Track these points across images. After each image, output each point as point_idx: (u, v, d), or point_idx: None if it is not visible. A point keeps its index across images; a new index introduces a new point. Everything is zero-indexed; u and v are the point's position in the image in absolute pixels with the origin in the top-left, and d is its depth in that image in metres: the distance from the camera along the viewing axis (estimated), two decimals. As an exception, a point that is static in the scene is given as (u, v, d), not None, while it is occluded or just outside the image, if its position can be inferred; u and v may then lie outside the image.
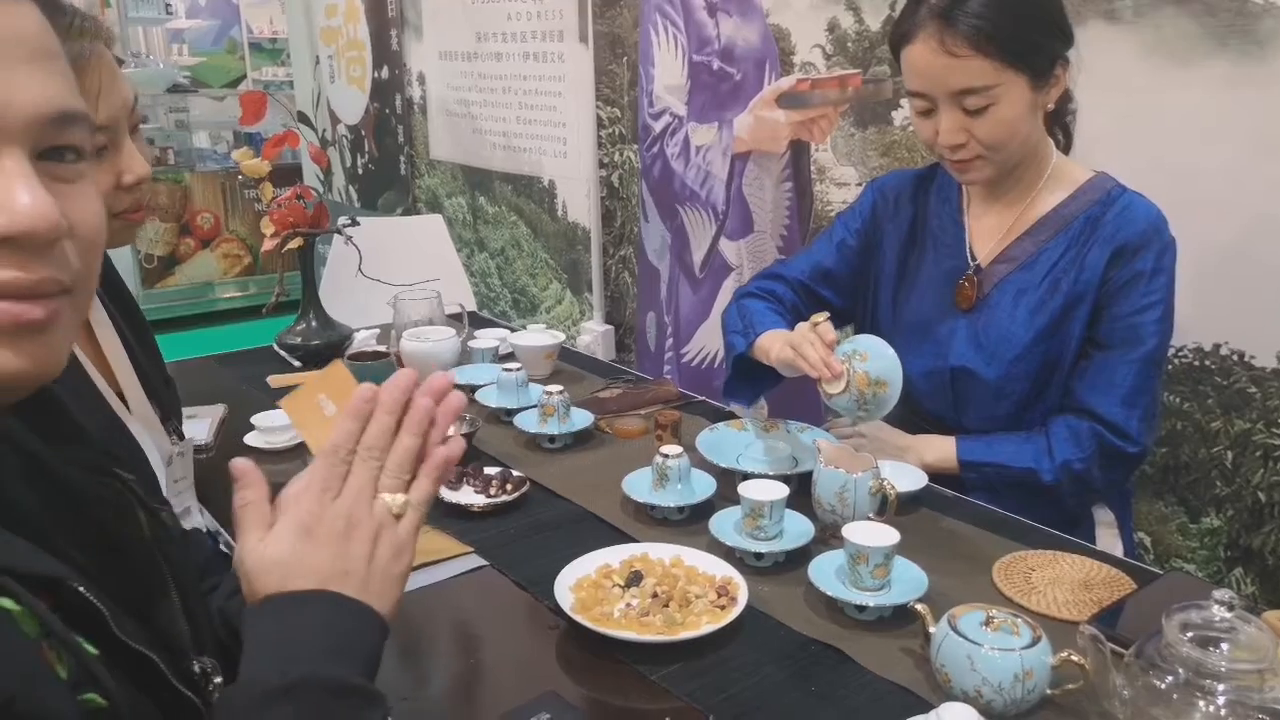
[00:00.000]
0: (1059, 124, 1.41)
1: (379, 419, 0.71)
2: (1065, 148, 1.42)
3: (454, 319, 1.96)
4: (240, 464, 0.70)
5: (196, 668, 0.69)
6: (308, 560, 0.66)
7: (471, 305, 2.60)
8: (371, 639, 0.66)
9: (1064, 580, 1.13)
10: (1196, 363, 1.67)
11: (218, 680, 0.70)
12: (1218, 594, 0.81)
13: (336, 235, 2.01)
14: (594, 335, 3.14)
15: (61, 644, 0.54)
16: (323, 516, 0.68)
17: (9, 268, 0.52)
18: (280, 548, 0.66)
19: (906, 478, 1.31)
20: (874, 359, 1.26)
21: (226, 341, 2.31)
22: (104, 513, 0.68)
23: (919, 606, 0.97)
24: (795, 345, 1.30)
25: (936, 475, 1.37)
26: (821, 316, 1.31)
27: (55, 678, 0.53)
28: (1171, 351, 1.63)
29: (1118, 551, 1.36)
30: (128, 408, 1.18)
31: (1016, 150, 1.32)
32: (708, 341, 2.73)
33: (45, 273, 0.54)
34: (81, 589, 0.57)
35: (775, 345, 1.36)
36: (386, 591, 0.68)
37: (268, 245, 1.81)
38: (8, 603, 0.52)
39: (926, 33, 1.26)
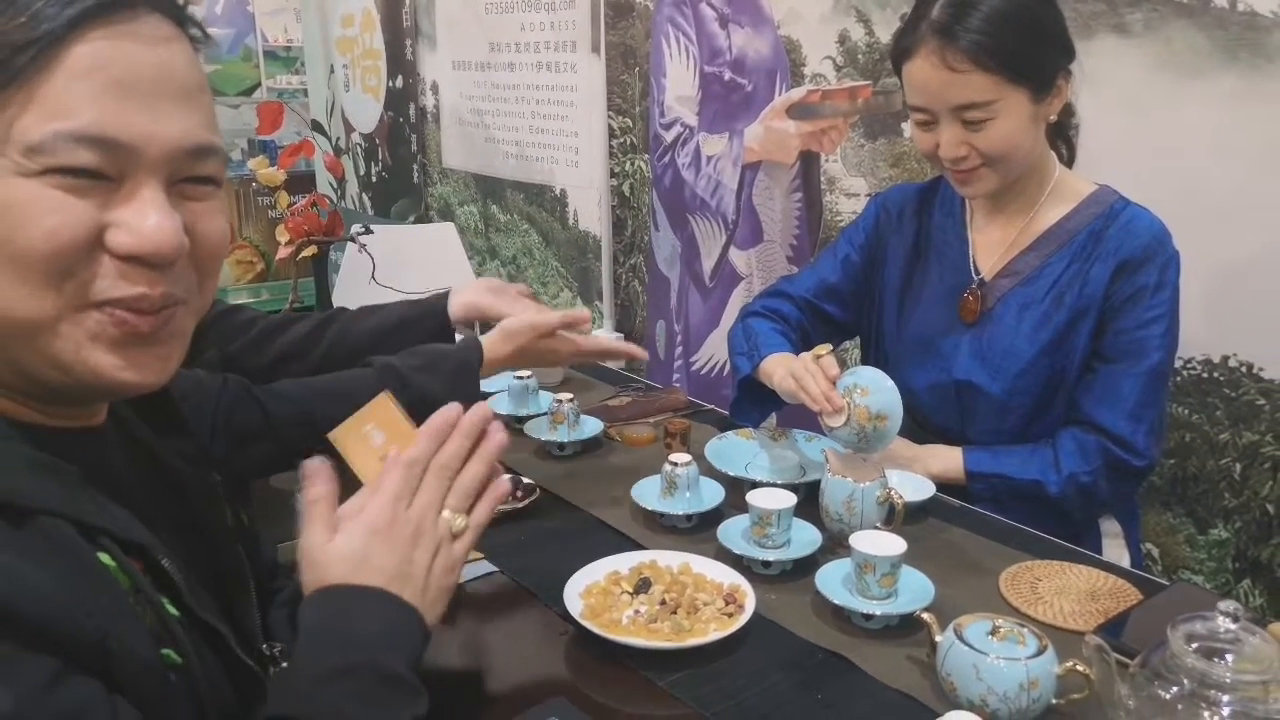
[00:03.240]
0: (1061, 137, 1.42)
1: (456, 440, 0.75)
2: (1068, 161, 1.43)
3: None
4: (313, 464, 0.74)
5: (267, 650, 0.74)
6: (376, 559, 0.70)
7: (483, 313, 2.61)
8: (418, 643, 0.70)
9: (1070, 590, 1.13)
10: (1205, 374, 1.67)
11: (284, 665, 0.74)
12: (1223, 605, 0.81)
13: (350, 243, 2.03)
14: (604, 343, 3.15)
15: (147, 602, 0.60)
16: (395, 521, 0.72)
17: (137, 284, 0.59)
18: (353, 542, 0.71)
19: (914, 487, 1.32)
20: (874, 393, 1.27)
21: (240, 347, 2.32)
22: (198, 503, 0.73)
23: (925, 615, 0.98)
24: (798, 377, 1.31)
25: (944, 485, 1.37)
26: (824, 349, 1.33)
27: (143, 627, 0.59)
28: (1180, 363, 1.63)
29: (1125, 563, 1.36)
30: None
31: (1019, 162, 1.33)
32: (717, 350, 2.73)
33: (165, 288, 0.60)
34: (164, 560, 0.62)
35: (778, 373, 1.38)
36: (436, 603, 0.73)
37: (283, 253, 1.83)
38: (105, 558, 0.58)
39: (927, 48, 1.26)
